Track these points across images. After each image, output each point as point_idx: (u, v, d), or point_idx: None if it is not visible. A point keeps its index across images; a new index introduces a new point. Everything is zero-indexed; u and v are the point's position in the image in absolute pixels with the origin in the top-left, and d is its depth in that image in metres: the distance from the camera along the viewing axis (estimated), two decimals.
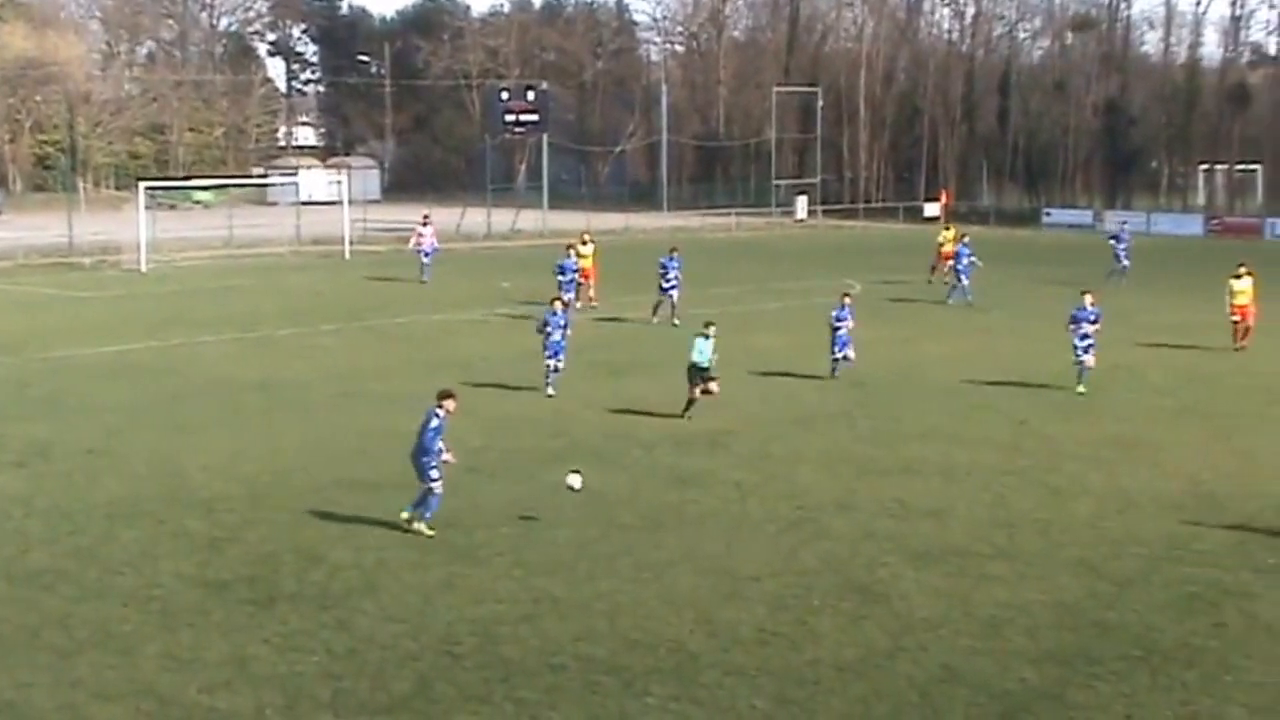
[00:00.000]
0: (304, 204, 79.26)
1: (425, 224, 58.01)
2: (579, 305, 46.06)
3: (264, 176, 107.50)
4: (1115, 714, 15.12)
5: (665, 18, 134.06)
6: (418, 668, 16.17)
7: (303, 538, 21.05)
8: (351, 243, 71.51)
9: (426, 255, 56.93)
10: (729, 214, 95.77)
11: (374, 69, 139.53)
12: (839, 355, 34.93)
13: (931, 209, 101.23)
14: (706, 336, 29.86)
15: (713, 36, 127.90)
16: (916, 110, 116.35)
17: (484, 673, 16.02)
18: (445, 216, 79.33)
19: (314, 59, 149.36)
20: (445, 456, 21.11)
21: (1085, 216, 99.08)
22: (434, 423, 20.92)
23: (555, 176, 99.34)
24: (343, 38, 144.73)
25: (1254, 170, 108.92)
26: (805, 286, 54.62)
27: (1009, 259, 71.45)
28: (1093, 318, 33.35)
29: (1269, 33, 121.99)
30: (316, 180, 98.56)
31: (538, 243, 78.14)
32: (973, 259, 50.74)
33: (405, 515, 21.25)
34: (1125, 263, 56.51)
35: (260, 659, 16.42)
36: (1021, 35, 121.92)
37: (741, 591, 18.74)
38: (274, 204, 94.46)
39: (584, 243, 48.26)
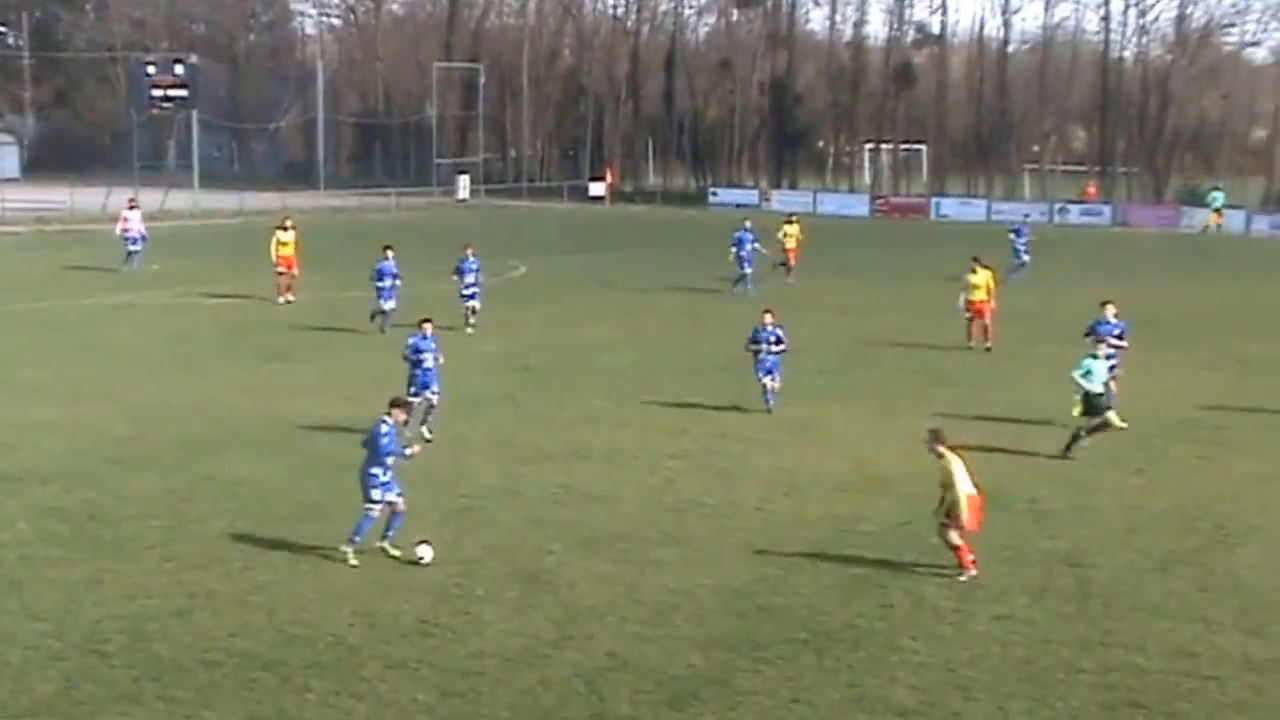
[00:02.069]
0: None
1: (131, 208, 54.64)
2: (280, 300, 44.01)
3: None
4: (782, 698, 15.16)
5: None
6: (63, 668, 15.53)
7: None
8: None
9: (135, 243, 53.46)
10: (389, 194, 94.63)
11: (11, 40, 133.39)
12: (763, 381, 28.91)
13: (597, 188, 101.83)
14: (1096, 356, 25.46)
15: (371, 10, 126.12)
16: (581, 88, 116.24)
17: (134, 671, 15.45)
18: (90, 197, 76.48)
19: None
20: (409, 452, 19.79)
21: (752, 196, 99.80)
22: (384, 429, 19.42)
23: (207, 154, 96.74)
24: None
25: (919, 150, 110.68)
26: None
27: (675, 239, 72.54)
28: (1117, 332, 28.00)
29: (933, 11, 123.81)
30: None
31: (189, 223, 75.83)
32: (755, 245, 49.15)
33: (393, 551, 19.43)
34: (1025, 258, 53.21)
35: None
36: (687, 12, 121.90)
37: (404, 582, 18.35)
38: None
39: (285, 228, 45.38)
